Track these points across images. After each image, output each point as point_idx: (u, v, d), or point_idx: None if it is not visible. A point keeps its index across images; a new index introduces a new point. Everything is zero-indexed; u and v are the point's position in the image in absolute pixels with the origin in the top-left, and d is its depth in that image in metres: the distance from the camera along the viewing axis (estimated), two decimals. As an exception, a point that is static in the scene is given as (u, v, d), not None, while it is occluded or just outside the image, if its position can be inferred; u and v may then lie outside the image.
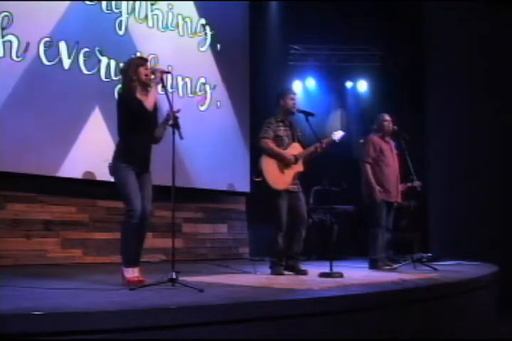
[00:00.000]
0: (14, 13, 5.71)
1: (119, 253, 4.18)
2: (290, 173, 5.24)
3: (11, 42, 5.71)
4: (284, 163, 5.21)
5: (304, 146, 5.34)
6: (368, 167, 5.94)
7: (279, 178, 5.19)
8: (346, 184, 7.55)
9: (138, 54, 6.51)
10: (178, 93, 7.14)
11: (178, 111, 4.10)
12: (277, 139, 5.26)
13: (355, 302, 3.59)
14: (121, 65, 4.52)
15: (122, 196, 4.10)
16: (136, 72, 4.15)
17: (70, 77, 6.14)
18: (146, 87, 4.16)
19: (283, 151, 5.24)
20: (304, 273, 5.08)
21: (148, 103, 4.07)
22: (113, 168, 4.17)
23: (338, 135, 5.36)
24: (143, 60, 4.29)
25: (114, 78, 6.45)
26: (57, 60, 6.07)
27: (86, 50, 6.29)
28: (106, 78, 6.47)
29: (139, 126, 4.13)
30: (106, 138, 6.06)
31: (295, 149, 5.31)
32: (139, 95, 4.13)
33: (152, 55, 6.73)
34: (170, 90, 4.27)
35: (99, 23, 6.47)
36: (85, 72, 6.30)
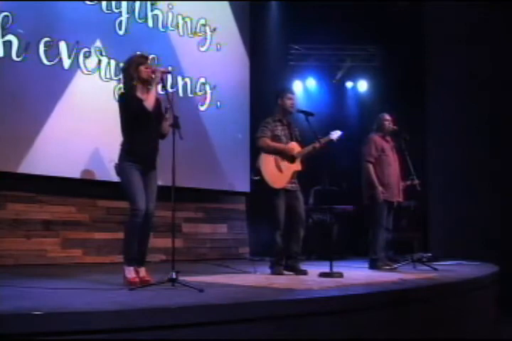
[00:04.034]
0: (14, 13, 5.71)
1: (121, 252, 4.19)
2: (288, 172, 5.24)
3: (10, 42, 5.72)
4: (283, 157, 5.22)
5: (302, 145, 5.36)
6: (370, 167, 5.94)
7: (278, 177, 5.20)
8: (346, 184, 7.57)
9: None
10: (178, 93, 7.14)
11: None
12: (275, 138, 5.28)
13: (355, 302, 3.59)
14: (121, 64, 4.51)
15: (127, 195, 4.10)
16: (136, 70, 4.14)
17: (70, 77, 6.15)
18: (147, 85, 4.14)
19: (282, 145, 5.25)
20: (304, 273, 5.08)
21: (149, 103, 4.07)
22: (119, 168, 4.18)
23: (336, 134, 5.38)
24: (143, 58, 4.26)
25: (114, 78, 6.46)
26: (57, 60, 6.07)
27: (86, 50, 6.30)
28: (106, 78, 6.47)
29: (140, 125, 4.12)
30: (106, 137, 6.07)
31: (293, 148, 5.32)
32: (139, 94, 4.13)
33: (152, 55, 6.73)
34: (170, 90, 4.25)
35: (99, 23, 6.47)
36: (85, 72, 6.31)
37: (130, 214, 4.08)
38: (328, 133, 5.38)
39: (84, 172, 6.16)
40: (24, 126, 5.77)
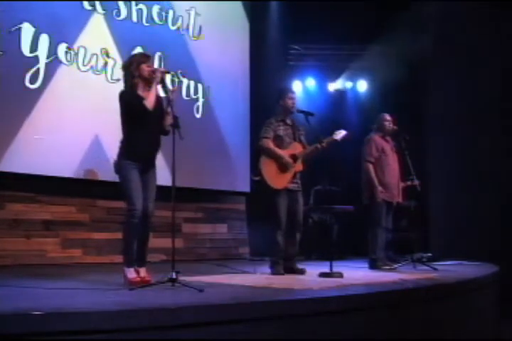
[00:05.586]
0: (14, 13, 5.70)
1: (121, 253, 4.18)
2: (290, 173, 5.23)
3: (12, 42, 5.71)
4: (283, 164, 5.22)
5: (304, 146, 5.35)
6: (370, 166, 5.94)
7: (278, 178, 5.19)
8: (344, 183, 7.57)
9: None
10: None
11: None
12: (277, 139, 5.28)
13: (355, 302, 3.59)
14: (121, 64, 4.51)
15: (124, 194, 4.09)
16: (138, 69, 4.14)
17: (69, 77, 6.15)
18: (148, 84, 4.14)
19: (283, 154, 5.23)
20: (302, 271, 5.09)
21: (149, 101, 4.06)
22: (117, 166, 4.17)
23: (340, 134, 5.36)
24: (145, 57, 4.26)
25: (114, 78, 6.45)
26: (57, 60, 6.06)
27: (86, 50, 6.29)
28: (112, 79, 6.47)
29: (140, 124, 4.12)
30: (107, 137, 6.08)
31: (295, 148, 5.31)
32: (140, 92, 4.13)
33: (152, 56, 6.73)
34: (171, 90, 4.25)
35: (102, 24, 6.47)
36: (85, 71, 6.31)
37: (127, 215, 4.06)
38: (331, 133, 5.37)
39: (85, 172, 6.15)
40: (22, 125, 5.77)
